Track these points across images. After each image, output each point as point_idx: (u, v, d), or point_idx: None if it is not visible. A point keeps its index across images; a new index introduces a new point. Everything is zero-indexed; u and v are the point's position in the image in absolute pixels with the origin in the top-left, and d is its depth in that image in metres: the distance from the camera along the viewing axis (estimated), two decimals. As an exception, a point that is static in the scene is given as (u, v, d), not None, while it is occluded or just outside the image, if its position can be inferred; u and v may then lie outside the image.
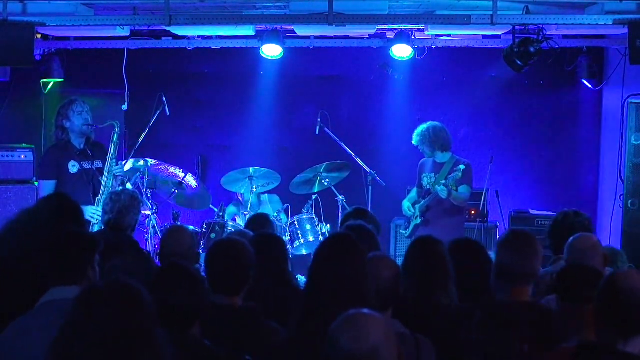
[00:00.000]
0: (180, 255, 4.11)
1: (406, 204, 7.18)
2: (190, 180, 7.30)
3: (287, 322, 3.34)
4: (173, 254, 4.12)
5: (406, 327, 3.26)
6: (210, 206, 7.64)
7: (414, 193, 7.28)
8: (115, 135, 6.29)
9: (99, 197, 6.08)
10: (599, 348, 2.70)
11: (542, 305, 3.51)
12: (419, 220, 6.99)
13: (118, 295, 2.29)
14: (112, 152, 6.25)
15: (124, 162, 6.54)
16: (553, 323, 3.25)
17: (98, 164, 6.28)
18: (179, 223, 7.07)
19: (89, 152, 6.27)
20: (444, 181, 6.85)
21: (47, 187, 6.08)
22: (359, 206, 5.18)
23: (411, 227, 7.11)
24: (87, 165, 6.22)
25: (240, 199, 7.79)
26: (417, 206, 7.05)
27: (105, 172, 6.19)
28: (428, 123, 7.09)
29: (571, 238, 4.09)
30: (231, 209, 7.78)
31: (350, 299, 2.83)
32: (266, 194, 7.92)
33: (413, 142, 7.12)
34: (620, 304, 2.70)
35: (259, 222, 5.14)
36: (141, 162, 6.98)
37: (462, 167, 6.79)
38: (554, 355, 2.95)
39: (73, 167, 6.16)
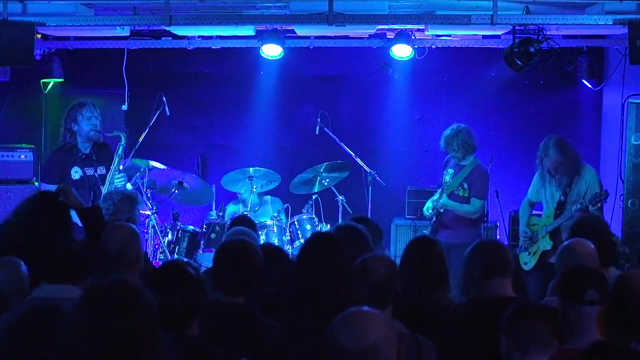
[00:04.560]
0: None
1: (428, 203, 7.01)
2: (190, 178, 7.29)
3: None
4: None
5: (405, 327, 3.26)
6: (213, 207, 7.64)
7: (438, 193, 7.11)
8: (121, 148, 6.26)
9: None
10: (612, 348, 2.69)
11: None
12: (434, 220, 6.95)
13: (121, 296, 2.30)
14: (115, 164, 6.22)
15: (125, 166, 6.50)
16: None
17: (102, 170, 6.26)
18: (179, 223, 7.07)
19: (94, 157, 6.25)
20: (448, 191, 6.78)
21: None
22: (360, 215, 5.13)
23: (431, 228, 7.04)
24: (89, 172, 6.21)
25: (239, 197, 7.80)
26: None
27: (107, 183, 6.17)
28: (455, 127, 6.80)
29: (566, 242, 4.10)
30: (231, 207, 7.78)
31: (336, 297, 2.84)
32: (268, 195, 7.92)
33: (442, 148, 6.85)
34: (633, 305, 2.70)
35: (242, 223, 5.11)
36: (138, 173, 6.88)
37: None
38: (565, 356, 2.93)
39: (75, 173, 6.15)
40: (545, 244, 6.32)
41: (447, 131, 6.81)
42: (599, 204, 6.12)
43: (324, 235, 3.33)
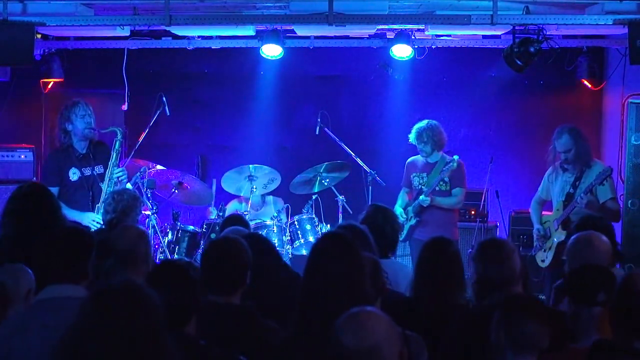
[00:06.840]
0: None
1: (398, 210, 7.14)
2: (190, 179, 7.29)
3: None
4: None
5: (422, 328, 3.26)
6: (211, 208, 7.62)
7: (404, 196, 7.25)
8: (117, 143, 6.24)
9: (98, 205, 6.03)
10: (616, 347, 2.69)
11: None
12: (413, 222, 6.98)
13: (130, 297, 2.30)
14: (113, 159, 6.20)
15: (124, 166, 6.49)
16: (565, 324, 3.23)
17: (99, 169, 6.25)
18: (179, 223, 7.08)
19: (91, 156, 6.24)
20: (426, 189, 6.88)
21: None
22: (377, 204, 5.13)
23: (406, 229, 7.08)
24: (87, 172, 6.20)
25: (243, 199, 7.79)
26: (409, 208, 7.04)
27: (106, 179, 6.15)
28: (426, 122, 7.06)
29: (574, 236, 4.08)
30: (233, 205, 7.77)
31: (347, 298, 2.83)
32: (271, 196, 7.92)
33: (411, 140, 7.09)
34: (638, 304, 2.69)
35: (234, 222, 5.11)
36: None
37: (456, 157, 6.84)
38: (568, 355, 2.93)
39: (74, 174, 6.14)
40: (560, 235, 6.35)
41: (420, 124, 7.05)
42: (604, 182, 6.20)
43: (337, 235, 3.28)
